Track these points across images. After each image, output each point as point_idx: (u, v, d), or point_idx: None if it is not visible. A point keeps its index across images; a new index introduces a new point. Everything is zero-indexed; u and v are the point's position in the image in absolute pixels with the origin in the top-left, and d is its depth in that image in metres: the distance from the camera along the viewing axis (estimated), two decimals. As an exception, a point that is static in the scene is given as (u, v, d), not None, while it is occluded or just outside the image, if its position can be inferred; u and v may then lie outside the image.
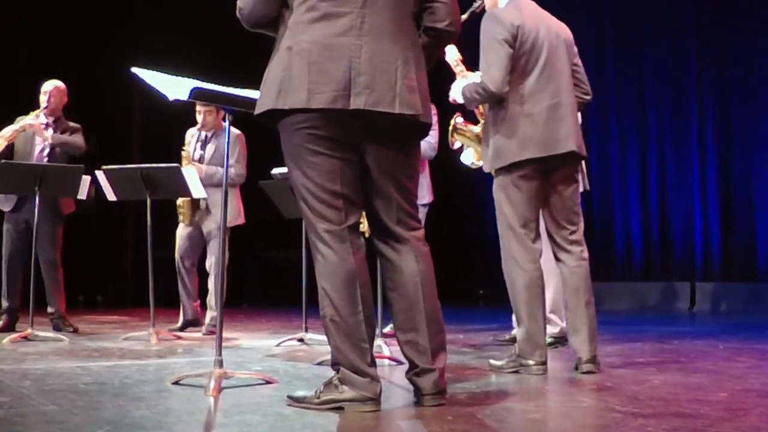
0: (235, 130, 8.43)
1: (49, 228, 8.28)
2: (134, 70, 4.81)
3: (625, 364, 5.79)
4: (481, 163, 6.63)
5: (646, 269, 14.27)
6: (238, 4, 4.05)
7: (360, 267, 3.95)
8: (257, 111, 4.00)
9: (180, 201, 8.34)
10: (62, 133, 8.54)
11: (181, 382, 4.77)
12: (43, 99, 8.56)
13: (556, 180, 5.46)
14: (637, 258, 14.40)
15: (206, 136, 8.51)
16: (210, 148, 8.47)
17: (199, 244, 8.51)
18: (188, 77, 4.77)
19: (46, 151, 8.46)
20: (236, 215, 8.40)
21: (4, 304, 8.40)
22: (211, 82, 4.77)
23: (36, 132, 8.43)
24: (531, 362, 5.28)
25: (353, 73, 3.84)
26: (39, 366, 5.64)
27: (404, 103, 3.91)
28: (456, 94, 5.72)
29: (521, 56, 5.32)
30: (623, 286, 14.03)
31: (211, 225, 8.34)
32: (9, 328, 8.21)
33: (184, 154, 8.39)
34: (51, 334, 7.60)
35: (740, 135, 13.53)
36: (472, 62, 5.68)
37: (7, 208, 8.47)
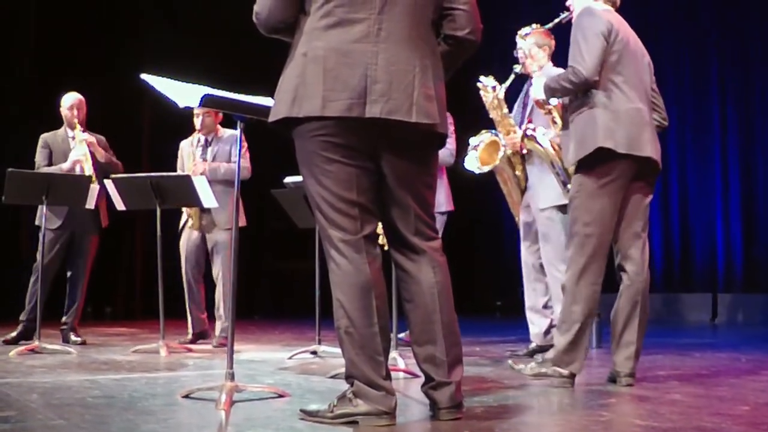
0: (235, 132, 8.48)
1: (89, 240, 8.34)
2: (144, 76, 4.80)
3: (645, 377, 5.76)
4: (486, 168, 6.65)
5: (667, 280, 14.22)
6: (255, 9, 4.03)
7: (376, 277, 3.93)
8: (271, 119, 3.99)
9: (188, 205, 8.36)
10: (100, 144, 8.58)
11: (191, 395, 4.76)
12: (70, 114, 8.58)
13: (636, 188, 5.48)
14: (657, 269, 14.35)
15: (206, 140, 8.53)
16: (212, 151, 8.49)
17: (204, 253, 8.53)
18: (198, 84, 4.77)
19: (87, 167, 8.44)
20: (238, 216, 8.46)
21: (26, 313, 8.34)
22: (222, 89, 4.77)
23: (94, 149, 8.43)
24: (560, 373, 5.26)
25: (369, 80, 3.83)
26: (46, 379, 5.64)
27: (421, 112, 3.89)
28: (537, 91, 5.71)
29: (613, 53, 5.36)
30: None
31: (216, 236, 8.37)
32: (25, 338, 8.17)
33: (187, 165, 8.42)
34: (59, 347, 7.60)
35: (763, 143, 13.47)
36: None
37: (55, 225, 8.43)
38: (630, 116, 5.31)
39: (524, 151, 6.98)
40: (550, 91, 5.52)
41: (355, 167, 3.91)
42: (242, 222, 8.37)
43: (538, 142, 6.78)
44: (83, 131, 8.49)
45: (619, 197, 5.36)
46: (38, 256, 8.05)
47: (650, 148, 5.36)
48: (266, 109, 4.63)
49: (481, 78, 7.14)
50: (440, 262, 4.11)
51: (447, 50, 4.16)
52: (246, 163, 8.34)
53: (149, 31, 14.08)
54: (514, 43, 7.18)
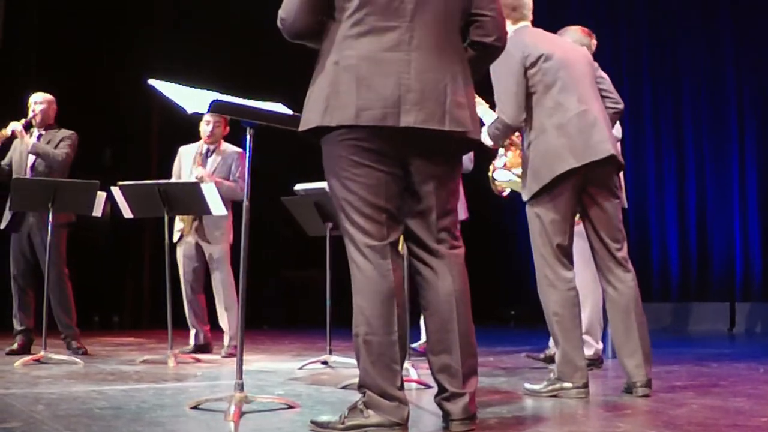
0: (237, 149, 8.53)
1: (51, 240, 8.30)
2: (152, 82, 4.80)
3: (662, 387, 5.74)
4: (512, 175, 6.65)
5: (684, 289, 14.22)
6: (280, 14, 4.02)
7: (398, 285, 3.93)
8: (303, 128, 3.98)
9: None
10: (48, 142, 8.55)
11: (200, 406, 4.76)
12: (34, 109, 8.61)
13: (594, 193, 5.46)
14: (674, 278, 14.35)
15: (208, 150, 8.56)
16: (212, 162, 8.53)
17: (203, 264, 8.56)
18: (207, 89, 4.77)
19: (30, 161, 8.45)
20: (228, 234, 8.56)
21: (17, 325, 8.39)
22: (230, 95, 4.77)
23: (18, 135, 8.41)
24: (570, 385, 5.26)
25: (402, 89, 3.85)
26: (52, 390, 5.63)
27: (453, 120, 3.92)
28: (485, 138, 5.73)
29: (536, 73, 5.38)
30: (660, 306, 13.98)
31: (212, 248, 8.43)
32: (24, 350, 8.21)
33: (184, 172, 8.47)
34: (65, 357, 7.60)
35: (782, 149, 13.50)
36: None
37: (1, 226, 8.47)
38: (574, 124, 5.34)
39: (505, 195, 6.94)
40: (492, 138, 5.60)
41: (384, 173, 3.92)
42: (230, 239, 8.41)
43: (508, 182, 6.73)
44: (35, 126, 8.61)
45: (571, 202, 5.40)
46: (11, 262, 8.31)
47: (607, 146, 5.37)
48: (276, 116, 4.64)
49: None
50: (461, 271, 4.11)
51: (474, 56, 4.20)
52: (245, 186, 8.35)
53: (157, 36, 14.11)
54: None
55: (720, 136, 14.04)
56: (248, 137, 4.88)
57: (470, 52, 4.18)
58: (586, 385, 5.28)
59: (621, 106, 5.89)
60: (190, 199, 7.58)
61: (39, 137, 8.53)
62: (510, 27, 5.52)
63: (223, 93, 4.77)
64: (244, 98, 4.81)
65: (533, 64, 5.37)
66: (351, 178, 3.91)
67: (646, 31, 14.85)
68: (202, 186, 7.56)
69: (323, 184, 7.35)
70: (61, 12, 13.44)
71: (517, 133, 5.89)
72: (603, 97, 5.70)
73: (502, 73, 5.33)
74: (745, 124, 13.84)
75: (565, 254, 5.41)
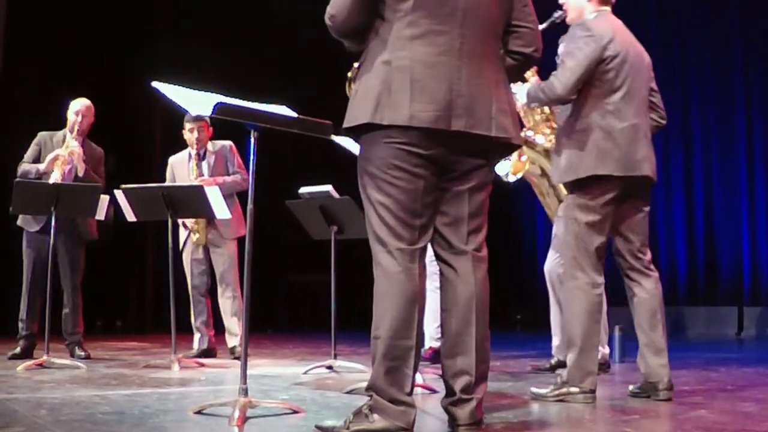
0: (225, 142, 8.57)
1: (74, 252, 8.33)
2: (155, 84, 4.80)
3: (670, 392, 5.74)
4: (516, 178, 6.66)
5: (692, 293, 14.20)
6: (330, 11, 4.04)
7: (422, 291, 3.98)
8: (349, 124, 4.01)
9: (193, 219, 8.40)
10: (88, 153, 8.51)
11: (203, 411, 4.75)
12: (74, 119, 8.49)
13: (631, 201, 5.50)
14: (681, 281, 14.33)
15: (199, 154, 8.58)
16: (207, 165, 8.56)
17: (209, 268, 8.57)
18: (210, 92, 4.76)
19: (56, 173, 8.39)
20: (239, 226, 8.52)
21: (22, 330, 8.38)
22: (234, 97, 4.77)
23: (77, 161, 8.37)
24: (578, 390, 5.25)
25: (454, 94, 3.92)
26: (55, 394, 5.63)
27: (499, 127, 4.02)
28: (521, 96, 5.75)
29: (609, 71, 5.40)
30: (667, 310, 13.88)
31: (220, 250, 8.45)
32: (26, 354, 8.20)
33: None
34: (68, 362, 7.59)
35: (790, 154, 13.49)
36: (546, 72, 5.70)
37: (34, 228, 8.43)
38: (625, 135, 5.35)
39: (522, 159, 6.94)
40: (530, 98, 5.65)
41: (424, 179, 3.97)
42: (242, 232, 8.38)
43: (533, 146, 6.74)
44: (76, 139, 8.44)
45: (612, 212, 5.42)
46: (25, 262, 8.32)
47: (646, 166, 5.42)
48: (280, 118, 4.64)
49: None
50: (484, 276, 4.17)
51: (512, 65, 4.30)
52: (245, 174, 8.40)
53: (160, 38, 14.11)
54: None
55: (728, 139, 14.03)
56: (252, 140, 4.88)
57: (508, 61, 4.27)
58: (593, 391, 5.27)
59: (665, 122, 5.92)
60: (193, 202, 7.57)
61: (82, 146, 8.49)
62: (591, 6, 5.60)
63: (226, 95, 4.77)
64: (248, 100, 4.80)
65: (611, 59, 5.39)
66: (390, 182, 3.94)
67: (656, 32, 14.82)
68: (206, 189, 7.55)
69: (328, 187, 7.35)
70: (62, 14, 13.42)
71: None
72: (651, 108, 5.74)
73: (578, 47, 5.36)
74: (753, 127, 13.84)
75: (600, 258, 5.44)
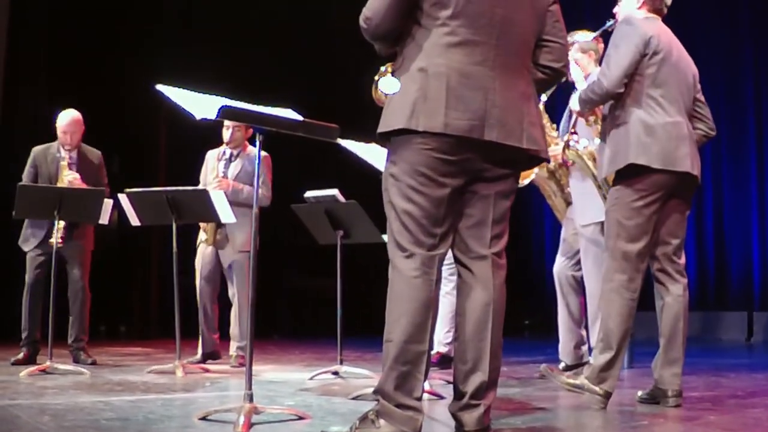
0: (263, 153, 8.49)
1: (79, 253, 8.32)
2: (159, 87, 4.80)
3: (679, 398, 5.74)
4: (525, 182, 6.68)
5: (701, 298, 14.16)
6: (365, 13, 4.05)
7: (436, 297, 4.01)
8: (384, 129, 4.03)
9: (204, 220, 8.38)
10: (85, 165, 8.52)
11: (208, 417, 4.74)
12: (62, 138, 8.46)
13: (674, 205, 5.51)
14: (691, 286, 14.26)
15: (231, 154, 8.53)
16: (235, 166, 8.50)
17: (219, 272, 8.54)
18: (215, 95, 4.76)
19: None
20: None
21: (25, 335, 8.36)
22: (239, 100, 4.76)
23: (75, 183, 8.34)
24: (596, 390, 5.24)
25: (488, 104, 3.96)
26: (58, 401, 5.62)
27: (530, 139, 4.06)
28: (574, 103, 5.84)
29: (651, 65, 5.41)
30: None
31: (232, 256, 8.38)
32: (29, 360, 8.19)
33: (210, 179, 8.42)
34: (71, 367, 7.58)
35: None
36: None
37: (28, 248, 8.42)
38: (667, 131, 5.33)
39: (570, 163, 6.97)
40: (582, 102, 5.63)
41: (450, 188, 4.00)
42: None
43: (579, 155, 6.77)
44: (68, 152, 8.47)
45: (656, 212, 5.37)
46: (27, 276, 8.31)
47: (688, 163, 5.38)
48: (285, 121, 4.63)
49: None
50: (502, 282, 4.21)
51: (540, 78, 4.32)
52: (267, 191, 8.32)
53: (165, 41, 14.11)
54: None
55: (738, 140, 14.00)
56: (258, 143, 4.88)
57: (537, 74, 4.29)
58: (609, 396, 5.26)
59: (714, 133, 5.93)
60: (198, 206, 7.56)
61: (75, 165, 8.48)
62: (641, 13, 5.63)
63: (231, 98, 4.76)
64: (255, 103, 4.80)
65: (653, 54, 5.40)
66: (416, 189, 3.96)
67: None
68: (211, 193, 7.54)
69: (333, 192, 7.35)
70: (65, 16, 13.43)
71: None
72: (698, 118, 5.76)
73: (624, 42, 5.40)
74: (764, 130, 13.81)
75: (642, 261, 5.43)
